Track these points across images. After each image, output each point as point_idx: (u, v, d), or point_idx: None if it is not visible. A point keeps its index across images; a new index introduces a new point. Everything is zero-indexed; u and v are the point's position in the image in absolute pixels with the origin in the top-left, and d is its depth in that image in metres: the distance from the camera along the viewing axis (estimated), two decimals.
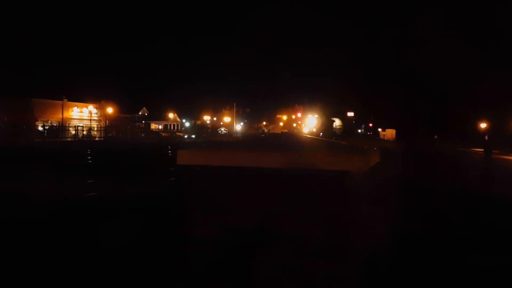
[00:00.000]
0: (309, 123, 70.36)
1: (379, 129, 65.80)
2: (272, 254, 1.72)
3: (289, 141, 4.06)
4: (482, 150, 27.59)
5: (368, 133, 66.84)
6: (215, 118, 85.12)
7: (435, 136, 44.44)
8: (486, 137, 35.32)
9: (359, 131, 67.19)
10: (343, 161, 1.67)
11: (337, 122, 70.03)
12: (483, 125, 42.93)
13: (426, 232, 4.76)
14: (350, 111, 66.02)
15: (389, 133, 60.10)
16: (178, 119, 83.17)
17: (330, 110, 65.77)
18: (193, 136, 63.25)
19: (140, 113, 74.97)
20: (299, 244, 1.68)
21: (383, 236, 2.29)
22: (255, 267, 1.74)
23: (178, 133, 66.86)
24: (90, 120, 51.26)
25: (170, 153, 22.45)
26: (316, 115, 68.78)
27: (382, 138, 59.54)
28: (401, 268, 3.31)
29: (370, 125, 64.66)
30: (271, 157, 1.80)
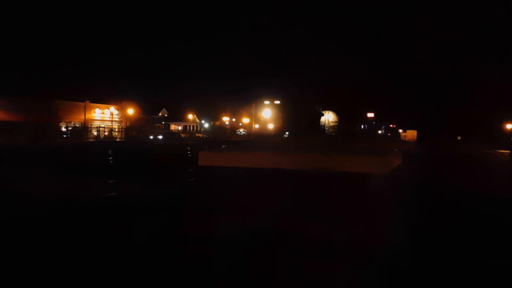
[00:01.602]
0: (264, 114, 50.31)
1: (400, 130, 64.82)
2: (285, 255, 1.70)
3: (308, 142, 4.04)
4: (508, 152, 26.80)
5: (388, 134, 65.91)
6: (234, 119, 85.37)
7: (458, 137, 43.48)
8: None
9: (379, 132, 66.18)
10: (364, 163, 1.64)
11: (330, 117, 51.46)
12: (509, 126, 41.67)
13: (439, 237, 4.65)
14: (370, 111, 62.43)
15: (410, 134, 59.17)
16: (197, 120, 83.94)
17: (321, 100, 48.69)
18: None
19: (160, 114, 75.99)
20: (304, 245, 1.66)
21: (399, 240, 2.25)
22: (276, 268, 1.73)
23: (197, 134, 67.57)
24: (112, 121, 52.21)
25: (189, 154, 22.65)
26: (278, 101, 45.68)
27: (403, 139, 58.64)
28: (414, 269, 3.25)
29: (391, 126, 63.22)
30: (289, 158, 1.79)
